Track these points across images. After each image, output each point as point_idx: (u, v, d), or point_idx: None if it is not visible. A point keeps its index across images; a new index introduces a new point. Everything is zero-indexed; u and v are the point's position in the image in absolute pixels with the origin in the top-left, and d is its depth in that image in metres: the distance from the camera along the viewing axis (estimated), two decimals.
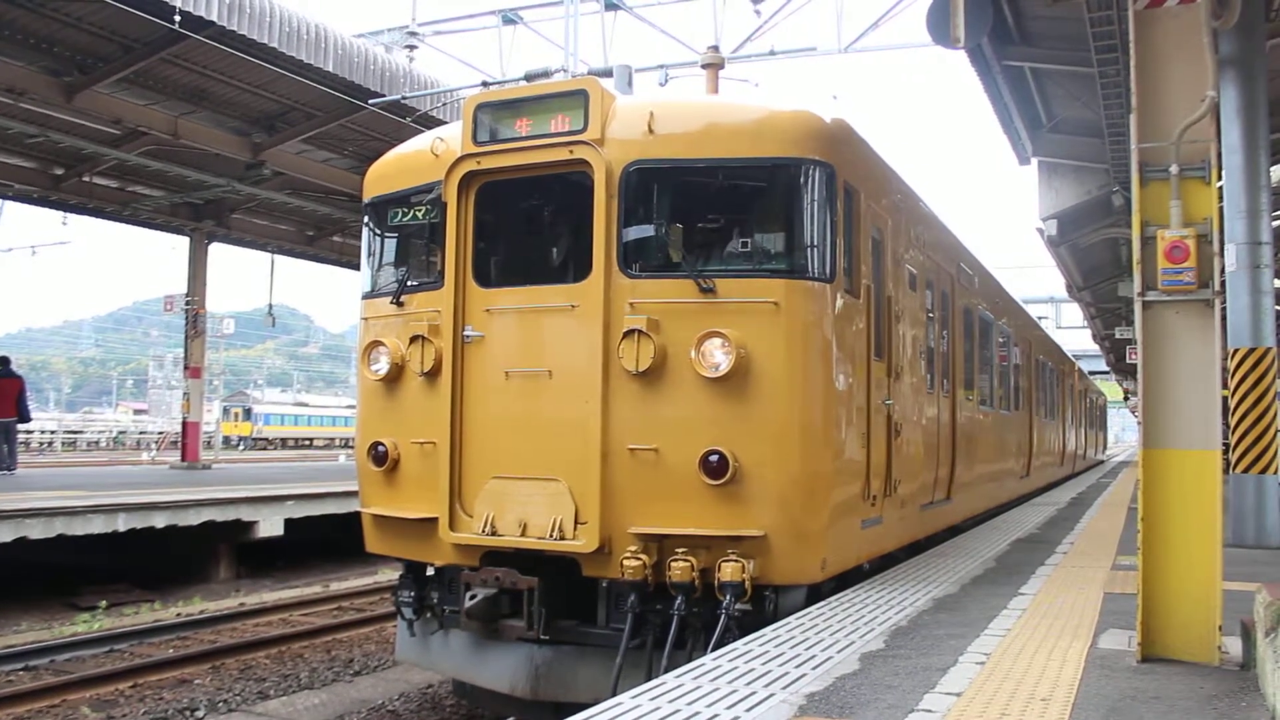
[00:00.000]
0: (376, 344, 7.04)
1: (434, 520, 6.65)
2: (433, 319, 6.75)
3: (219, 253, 29.67)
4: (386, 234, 7.54)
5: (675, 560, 5.88)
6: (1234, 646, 4.91)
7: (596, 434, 6.16)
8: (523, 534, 6.34)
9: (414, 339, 6.76)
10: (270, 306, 28.15)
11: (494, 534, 6.41)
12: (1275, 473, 9.87)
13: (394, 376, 6.96)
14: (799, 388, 6.09)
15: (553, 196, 6.99)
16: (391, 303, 7.06)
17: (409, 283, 7.09)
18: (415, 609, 6.97)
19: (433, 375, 6.72)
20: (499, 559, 6.41)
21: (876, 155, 7.61)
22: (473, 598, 6.27)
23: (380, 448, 6.98)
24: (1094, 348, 45.32)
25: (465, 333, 6.72)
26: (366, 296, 7.45)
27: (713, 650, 5.29)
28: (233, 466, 27.35)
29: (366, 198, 7.53)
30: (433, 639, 6.98)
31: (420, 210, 7.06)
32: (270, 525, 14.62)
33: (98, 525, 12.33)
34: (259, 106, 17.87)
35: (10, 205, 22.83)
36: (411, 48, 17.96)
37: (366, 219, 7.62)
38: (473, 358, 6.71)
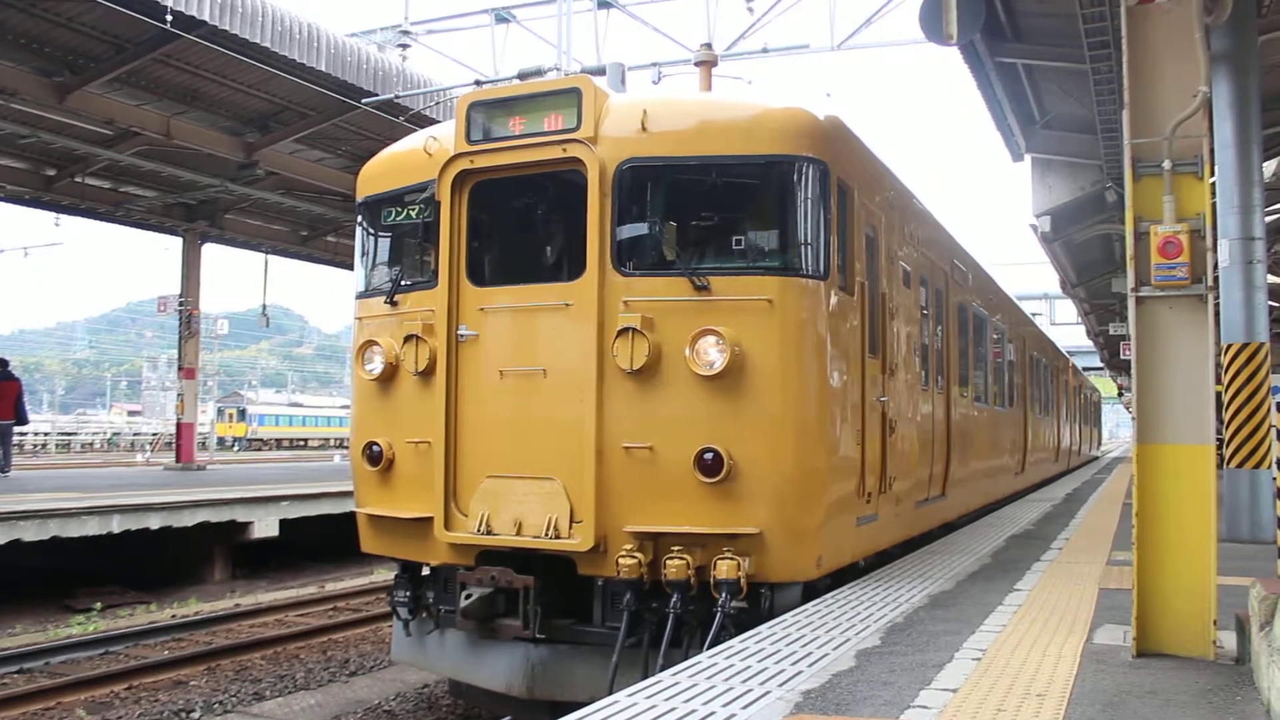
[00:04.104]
0: (371, 344, 7.03)
1: (429, 520, 6.64)
2: (427, 318, 6.74)
3: (212, 253, 29.65)
4: (380, 233, 7.52)
5: (671, 558, 5.88)
6: (1229, 641, 4.92)
7: (591, 432, 6.15)
8: (518, 533, 6.33)
9: (408, 338, 6.75)
10: (264, 307, 28.08)
11: (489, 533, 6.40)
12: (1269, 468, 9.89)
13: (388, 376, 6.95)
14: (793, 385, 6.08)
15: (546, 195, 6.98)
16: (385, 302, 7.06)
17: (403, 282, 7.08)
18: (411, 609, 6.96)
19: (427, 375, 6.71)
20: (494, 558, 6.41)
21: (870, 152, 7.61)
22: (468, 597, 6.26)
23: (375, 447, 6.96)
24: (1088, 344, 45.37)
25: (459, 332, 6.70)
26: (361, 296, 7.44)
27: (708, 648, 5.29)
28: (227, 467, 27.30)
29: (360, 197, 7.52)
30: (428, 639, 6.97)
31: (414, 209, 7.05)
32: (265, 526, 14.60)
33: (92, 527, 12.31)
34: (252, 106, 17.83)
35: (2, 206, 22.78)
36: (404, 46, 17.92)
37: (360, 218, 7.60)
38: (467, 357, 6.69)
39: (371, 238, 7.59)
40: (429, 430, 6.69)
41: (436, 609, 6.86)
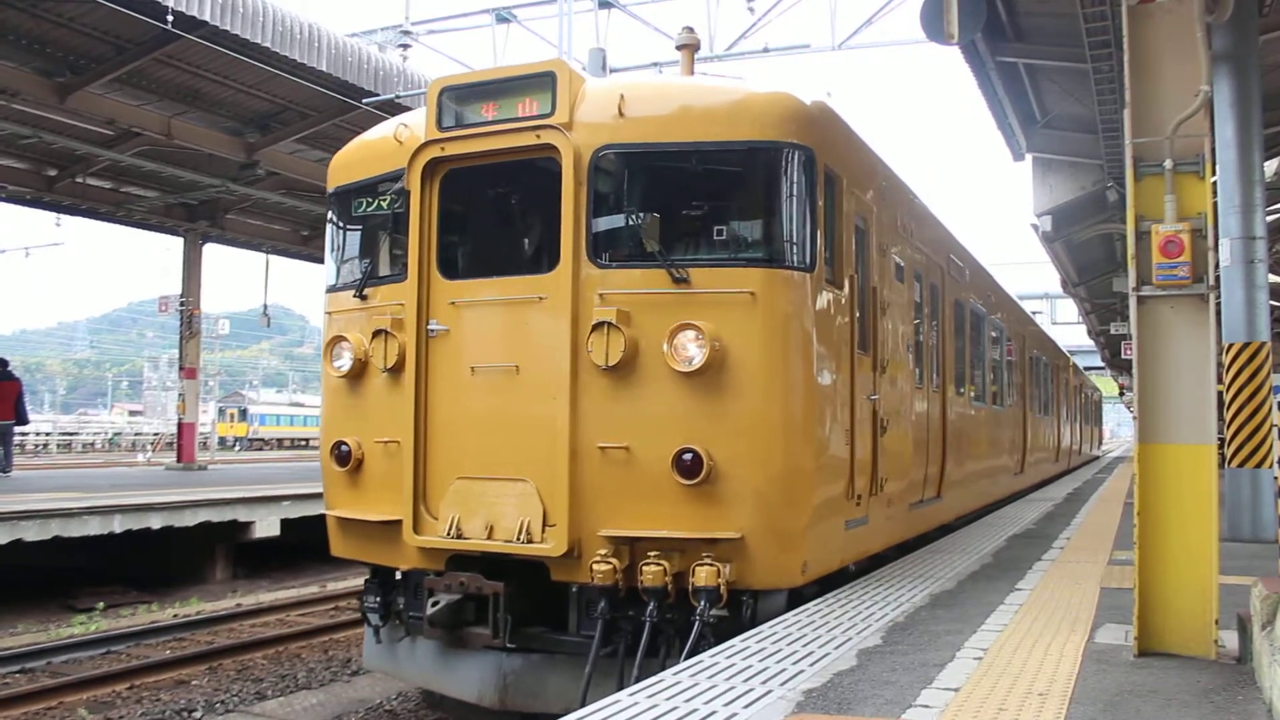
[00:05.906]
0: (339, 339, 6.79)
1: (398, 523, 6.41)
2: (396, 312, 6.50)
3: (213, 253, 29.64)
4: (350, 225, 7.29)
5: (647, 564, 5.65)
6: (1230, 640, 4.91)
7: (565, 432, 5.92)
8: (489, 537, 6.10)
9: (377, 334, 6.51)
10: (265, 307, 28.08)
11: (459, 537, 6.17)
12: (1270, 467, 9.89)
13: (357, 373, 6.72)
14: (777, 382, 5.86)
15: (520, 184, 6.76)
16: (354, 296, 6.83)
17: (373, 275, 6.88)
18: (382, 614, 6.74)
19: (396, 371, 6.48)
20: (465, 563, 6.19)
21: (861, 141, 7.37)
22: (435, 604, 6.04)
23: (343, 447, 6.73)
24: (1089, 343, 45.37)
25: (429, 327, 6.47)
26: (330, 290, 7.20)
27: (686, 658, 5.10)
28: (229, 467, 27.31)
29: (330, 187, 7.29)
30: (399, 646, 6.75)
31: (385, 199, 6.82)
32: (267, 526, 14.58)
33: (94, 527, 12.28)
34: (252, 106, 17.83)
35: (3, 206, 22.80)
36: (405, 46, 17.95)
37: (330, 209, 7.35)
38: (437, 353, 6.47)
39: (341, 230, 7.35)
40: (398, 429, 6.46)
41: (406, 615, 6.63)
